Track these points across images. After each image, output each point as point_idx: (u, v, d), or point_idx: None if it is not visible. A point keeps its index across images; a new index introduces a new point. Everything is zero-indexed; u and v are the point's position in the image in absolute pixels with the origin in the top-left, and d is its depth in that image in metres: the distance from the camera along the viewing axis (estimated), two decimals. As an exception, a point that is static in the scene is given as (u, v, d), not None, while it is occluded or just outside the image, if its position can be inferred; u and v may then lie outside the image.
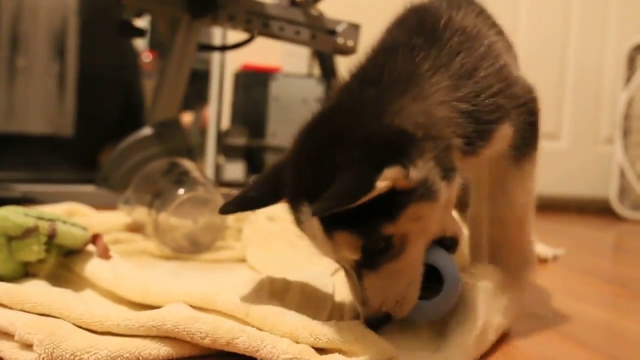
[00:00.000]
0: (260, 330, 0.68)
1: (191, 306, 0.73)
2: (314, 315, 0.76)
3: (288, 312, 0.72)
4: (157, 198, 1.18)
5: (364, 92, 0.69)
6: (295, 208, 0.68)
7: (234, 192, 1.45)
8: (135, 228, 1.32)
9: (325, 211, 0.60)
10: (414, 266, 0.69)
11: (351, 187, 0.60)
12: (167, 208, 1.15)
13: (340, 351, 0.66)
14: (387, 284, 0.68)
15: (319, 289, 0.82)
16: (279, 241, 1.24)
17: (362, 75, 0.73)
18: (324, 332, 0.67)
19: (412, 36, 0.75)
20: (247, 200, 0.73)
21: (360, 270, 0.68)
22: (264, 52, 2.79)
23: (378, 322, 0.69)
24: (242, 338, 0.64)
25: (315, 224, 0.65)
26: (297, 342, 0.66)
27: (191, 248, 1.19)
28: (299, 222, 0.69)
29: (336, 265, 1.07)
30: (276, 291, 0.79)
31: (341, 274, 0.99)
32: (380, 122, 0.66)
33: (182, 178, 1.22)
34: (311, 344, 0.66)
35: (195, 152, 1.76)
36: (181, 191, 1.17)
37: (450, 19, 0.77)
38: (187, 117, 4.01)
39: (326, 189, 0.61)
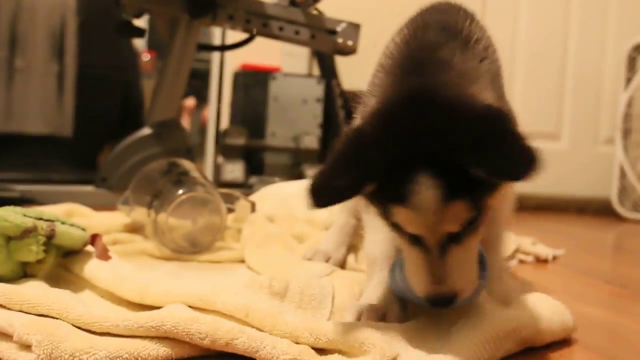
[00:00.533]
0: (260, 330, 0.68)
1: (190, 307, 0.73)
2: (314, 315, 0.75)
3: (288, 312, 0.72)
4: (156, 198, 1.18)
5: (447, 73, 0.70)
6: (403, 181, 0.64)
7: (234, 192, 1.46)
8: (135, 228, 1.32)
9: (528, 177, 0.61)
10: (478, 244, 0.70)
11: (527, 157, 0.60)
12: (167, 208, 1.15)
13: (340, 352, 0.66)
14: (466, 260, 0.68)
15: (319, 289, 0.82)
16: (278, 243, 1.24)
17: (438, 59, 0.73)
18: (324, 332, 0.67)
19: (450, 38, 0.76)
20: (338, 191, 0.67)
21: (447, 244, 0.67)
22: (264, 52, 2.78)
23: (447, 302, 0.67)
24: (241, 339, 0.64)
25: (433, 193, 0.63)
26: (297, 343, 0.66)
27: (190, 249, 1.18)
28: (406, 195, 0.64)
29: (334, 266, 1.08)
30: (276, 291, 0.79)
31: (339, 274, 1.00)
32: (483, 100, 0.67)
33: (181, 178, 1.22)
34: (311, 344, 0.66)
35: (194, 152, 1.76)
36: (180, 191, 1.16)
37: (470, 27, 0.79)
38: (190, 102, 4.00)
39: (459, 160, 0.61)
